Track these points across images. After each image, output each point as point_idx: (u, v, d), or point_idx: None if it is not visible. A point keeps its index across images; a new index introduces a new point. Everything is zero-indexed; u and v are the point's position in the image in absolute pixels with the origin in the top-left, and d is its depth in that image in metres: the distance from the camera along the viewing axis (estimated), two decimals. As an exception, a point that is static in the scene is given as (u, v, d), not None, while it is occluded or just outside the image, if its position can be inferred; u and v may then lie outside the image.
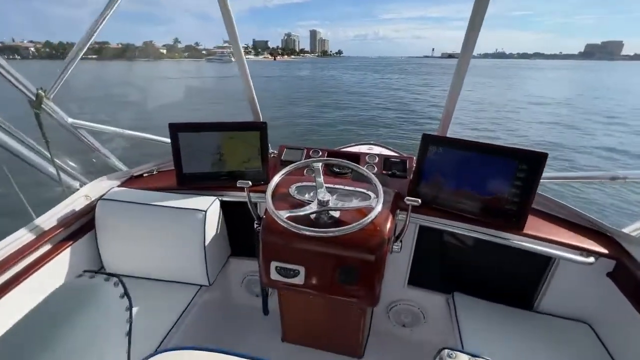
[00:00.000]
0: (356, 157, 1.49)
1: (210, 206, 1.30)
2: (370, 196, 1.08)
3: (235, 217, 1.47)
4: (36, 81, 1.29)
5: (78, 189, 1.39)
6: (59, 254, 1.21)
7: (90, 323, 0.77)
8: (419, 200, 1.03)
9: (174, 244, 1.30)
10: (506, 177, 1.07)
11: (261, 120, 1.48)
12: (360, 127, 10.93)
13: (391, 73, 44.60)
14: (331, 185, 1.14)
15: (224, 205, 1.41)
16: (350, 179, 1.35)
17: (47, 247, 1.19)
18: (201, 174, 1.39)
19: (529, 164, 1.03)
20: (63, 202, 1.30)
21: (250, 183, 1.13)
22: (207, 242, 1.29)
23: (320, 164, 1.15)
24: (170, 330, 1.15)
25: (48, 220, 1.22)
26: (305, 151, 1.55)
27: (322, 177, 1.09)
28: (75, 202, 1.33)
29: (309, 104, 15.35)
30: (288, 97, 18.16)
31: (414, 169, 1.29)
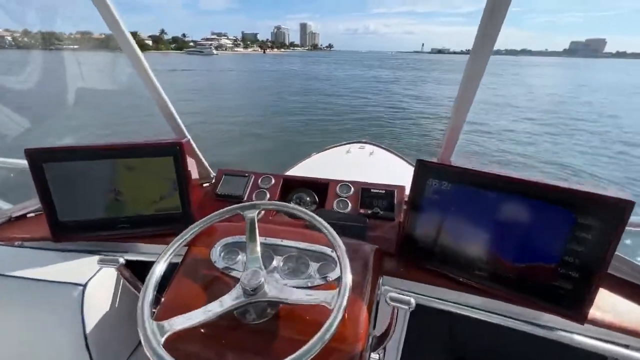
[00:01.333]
0: (323, 188, 1.19)
1: (95, 274, 0.92)
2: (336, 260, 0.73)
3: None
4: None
5: None
6: None
7: None
8: (413, 302, 0.69)
9: (39, 338, 0.90)
10: (555, 234, 0.68)
11: (186, 136, 1.12)
12: (354, 124, 10.67)
13: (381, 68, 44.57)
14: (278, 241, 0.80)
15: (130, 265, 0.93)
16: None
17: None
18: (87, 223, 0.98)
19: (598, 216, 0.63)
20: None
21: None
22: (90, 332, 0.89)
23: (256, 211, 0.74)
24: None
25: None
26: (251, 179, 1.23)
27: (256, 231, 0.71)
28: None
29: (297, 99, 14.98)
30: (277, 93, 17.77)
31: (404, 206, 1.00)
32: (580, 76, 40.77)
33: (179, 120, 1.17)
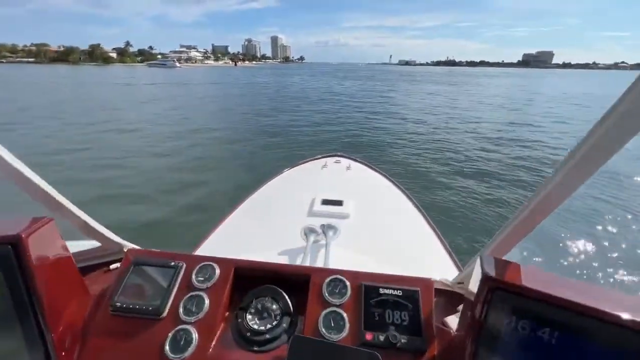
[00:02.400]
0: (299, 282, 0.75)
1: None
2: None
3: None
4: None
5: None
6: None
7: None
8: None
9: None
10: None
11: (68, 208, 0.73)
12: (325, 136, 10.35)
13: (353, 79, 45.50)
14: None
15: None
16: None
17: None
18: None
19: None
20: None
21: None
22: None
23: None
24: None
25: None
26: (181, 270, 0.76)
27: None
28: None
29: (268, 113, 14.58)
30: (250, 105, 17.22)
31: (435, 322, 0.67)
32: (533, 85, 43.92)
33: (47, 190, 0.68)
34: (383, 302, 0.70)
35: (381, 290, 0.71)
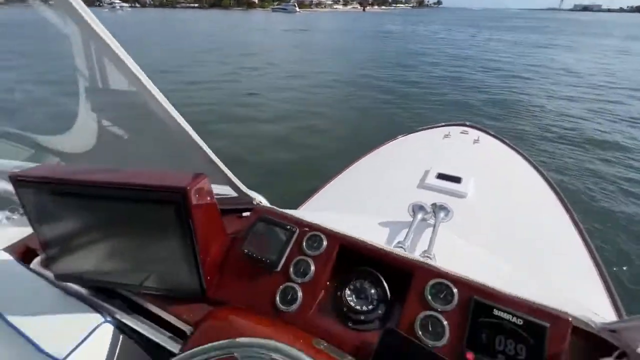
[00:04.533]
0: (402, 274, 0.71)
1: (76, 348, 0.70)
2: None
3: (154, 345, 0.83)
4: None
5: None
6: None
7: None
8: None
9: None
10: None
11: (218, 165, 0.86)
12: (456, 100, 8.43)
13: (502, 30, 36.76)
14: None
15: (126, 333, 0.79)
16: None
17: None
18: (77, 276, 0.81)
19: None
20: None
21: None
22: None
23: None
24: None
25: None
26: (294, 235, 0.81)
27: None
28: None
29: (391, 69, 13.00)
30: (372, 60, 15.94)
31: None
32: None
33: (201, 144, 0.82)
34: (495, 325, 0.59)
35: (495, 312, 0.60)
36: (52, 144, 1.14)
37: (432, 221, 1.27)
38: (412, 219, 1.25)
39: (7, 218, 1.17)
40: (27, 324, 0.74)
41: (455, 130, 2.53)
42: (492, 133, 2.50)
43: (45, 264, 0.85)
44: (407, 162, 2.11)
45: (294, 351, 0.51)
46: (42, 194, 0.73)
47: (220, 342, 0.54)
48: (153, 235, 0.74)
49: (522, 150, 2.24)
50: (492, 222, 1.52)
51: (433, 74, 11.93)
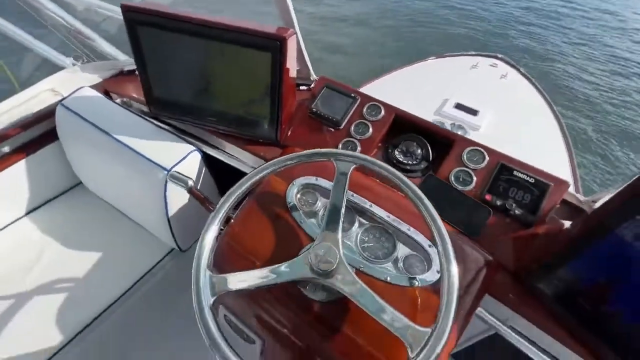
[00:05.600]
0: (445, 142, 0.86)
1: (180, 162, 0.93)
2: (431, 260, 0.61)
3: (229, 172, 1.02)
4: None
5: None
6: (18, 160, 1.04)
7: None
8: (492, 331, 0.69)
9: (136, 195, 1.04)
10: None
11: (293, 28, 0.84)
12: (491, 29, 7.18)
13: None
14: (365, 204, 0.68)
15: (210, 160, 1.02)
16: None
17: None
18: (178, 104, 0.94)
19: None
20: (25, 92, 1.06)
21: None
22: (171, 207, 0.97)
23: (352, 166, 0.61)
24: (127, 290, 1.03)
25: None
26: (356, 102, 0.93)
27: (345, 188, 0.59)
28: (38, 97, 1.06)
29: None
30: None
31: (553, 215, 0.75)
32: None
33: (289, 5, 0.85)
34: (513, 181, 0.77)
35: (515, 172, 0.77)
36: None
37: None
38: None
39: (73, 64, 1.28)
40: (136, 144, 0.94)
41: (484, 62, 2.48)
42: (523, 71, 2.42)
43: (147, 100, 0.96)
44: (429, 88, 2.13)
45: (382, 164, 0.61)
46: (150, 27, 0.80)
47: (323, 149, 0.62)
48: (244, 78, 0.84)
49: (548, 96, 2.20)
50: None
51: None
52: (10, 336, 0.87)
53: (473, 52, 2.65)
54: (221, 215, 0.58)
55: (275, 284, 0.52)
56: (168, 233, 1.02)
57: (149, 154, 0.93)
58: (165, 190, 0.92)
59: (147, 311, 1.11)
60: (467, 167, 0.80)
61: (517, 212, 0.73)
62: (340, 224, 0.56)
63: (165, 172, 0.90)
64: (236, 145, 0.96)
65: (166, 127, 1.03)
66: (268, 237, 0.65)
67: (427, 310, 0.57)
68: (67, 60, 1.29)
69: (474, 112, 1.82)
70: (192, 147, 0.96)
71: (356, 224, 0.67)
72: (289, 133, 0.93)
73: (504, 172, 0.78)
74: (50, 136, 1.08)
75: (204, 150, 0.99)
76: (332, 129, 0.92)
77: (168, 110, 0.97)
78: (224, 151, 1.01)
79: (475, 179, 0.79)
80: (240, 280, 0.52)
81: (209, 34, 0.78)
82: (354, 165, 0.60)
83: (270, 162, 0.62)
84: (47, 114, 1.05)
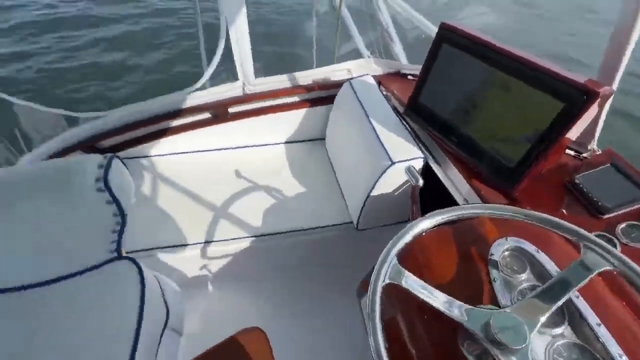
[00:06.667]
0: None
1: (404, 161, 1.00)
2: None
3: (435, 190, 1.03)
4: None
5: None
6: (302, 108, 1.41)
7: None
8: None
9: (354, 167, 1.20)
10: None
11: (613, 86, 0.76)
12: None
13: None
14: (589, 316, 0.50)
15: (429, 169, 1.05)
16: None
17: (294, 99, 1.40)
18: (432, 115, 1.00)
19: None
20: (335, 66, 1.41)
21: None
22: (374, 192, 1.06)
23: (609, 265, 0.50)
24: (302, 230, 1.20)
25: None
26: None
27: (576, 285, 0.48)
28: (340, 72, 1.40)
29: None
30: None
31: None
32: None
33: (623, 61, 0.74)
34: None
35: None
36: None
37: None
38: None
39: (368, 56, 1.64)
40: (380, 130, 1.10)
41: None
42: None
43: (409, 101, 1.08)
44: None
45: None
46: (454, 46, 0.89)
47: (583, 230, 0.53)
48: (514, 114, 0.78)
49: None
50: None
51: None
52: (238, 212, 1.21)
53: None
54: (434, 219, 0.57)
55: (439, 311, 0.47)
56: (358, 209, 1.12)
57: (385, 142, 1.05)
58: (379, 177, 1.00)
59: (310, 256, 1.31)
60: None
61: None
62: (549, 313, 0.46)
63: (389, 163, 0.99)
64: (460, 171, 0.92)
65: (408, 127, 1.14)
66: (451, 269, 0.60)
67: None
68: (366, 52, 1.72)
69: None
70: (420, 154, 1.02)
71: (561, 330, 0.51)
72: (525, 188, 0.80)
73: None
74: (331, 100, 1.38)
75: (427, 161, 1.03)
76: (588, 213, 0.75)
77: (420, 115, 1.05)
78: (445, 172, 1.01)
79: None
80: (415, 283, 0.50)
81: (506, 66, 0.77)
82: (612, 269, 0.48)
83: (509, 207, 0.58)
84: (337, 85, 1.34)
